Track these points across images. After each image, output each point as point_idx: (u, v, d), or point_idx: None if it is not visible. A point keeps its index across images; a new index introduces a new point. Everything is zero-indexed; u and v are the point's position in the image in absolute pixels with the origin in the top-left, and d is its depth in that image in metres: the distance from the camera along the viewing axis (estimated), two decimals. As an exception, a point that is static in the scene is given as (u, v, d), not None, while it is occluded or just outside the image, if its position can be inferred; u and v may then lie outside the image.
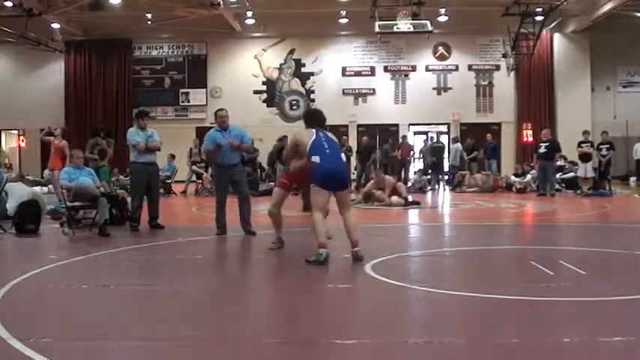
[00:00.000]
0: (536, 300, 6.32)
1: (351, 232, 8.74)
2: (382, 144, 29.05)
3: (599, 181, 22.25)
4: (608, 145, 22.33)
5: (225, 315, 6.04)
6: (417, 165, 28.85)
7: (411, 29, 24.75)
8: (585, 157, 22.44)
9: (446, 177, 27.43)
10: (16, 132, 33.44)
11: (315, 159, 8.67)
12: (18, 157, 33.02)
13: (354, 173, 26.26)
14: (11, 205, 13.12)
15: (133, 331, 5.44)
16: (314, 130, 8.99)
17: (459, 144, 27.44)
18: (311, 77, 31.99)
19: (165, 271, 8.51)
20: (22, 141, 32.67)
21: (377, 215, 15.77)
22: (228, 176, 12.08)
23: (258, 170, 25.41)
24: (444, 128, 31.25)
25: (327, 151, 8.76)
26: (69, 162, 13.06)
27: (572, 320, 5.75)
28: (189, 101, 32.12)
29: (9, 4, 23.91)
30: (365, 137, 27.59)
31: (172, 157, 24.42)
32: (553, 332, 5.27)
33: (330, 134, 9.11)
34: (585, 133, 23.13)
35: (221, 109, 12.48)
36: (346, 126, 31.02)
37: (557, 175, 23.14)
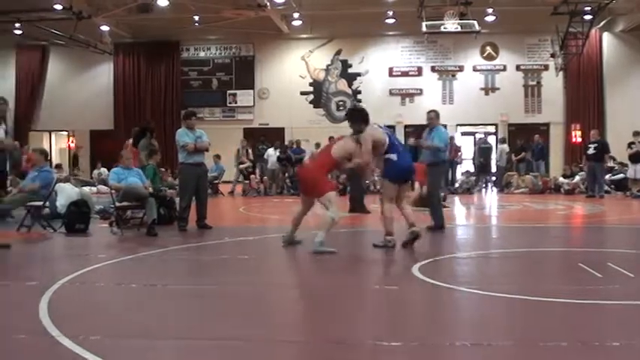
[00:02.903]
0: (584, 303, 6.21)
1: (408, 216, 9.70)
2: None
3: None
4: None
5: (272, 315, 6.06)
6: (464, 166, 28.66)
7: (459, 29, 24.59)
8: (635, 158, 22.07)
9: (493, 178, 27.23)
10: (65, 133, 33.95)
11: (393, 157, 9.49)
12: (67, 157, 33.50)
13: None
14: (61, 204, 13.32)
15: (181, 330, 5.47)
16: (381, 129, 9.71)
17: (505, 145, 27.20)
18: (358, 78, 31.94)
19: (212, 270, 8.56)
20: (72, 142, 33.13)
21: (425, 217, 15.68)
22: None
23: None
24: (492, 129, 31.00)
25: (400, 149, 9.70)
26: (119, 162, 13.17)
27: (621, 323, 5.64)
28: (236, 102, 32.27)
29: (59, 7, 24.26)
30: (412, 138, 27.43)
31: (218, 157, 24.57)
32: (601, 335, 5.20)
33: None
34: (636, 134, 22.73)
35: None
36: (393, 126, 30.88)
37: (607, 177, 22.82)
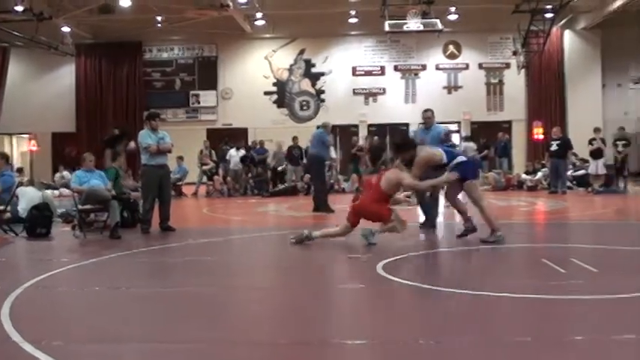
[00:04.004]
0: (548, 298, 6.29)
1: (465, 212, 10.70)
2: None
3: (615, 178, 22.04)
4: (625, 142, 22.17)
5: (237, 317, 6.05)
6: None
7: (421, 28, 24.64)
8: (596, 154, 22.35)
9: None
10: (27, 136, 33.55)
11: (462, 158, 10.36)
12: (29, 161, 33.13)
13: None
14: (22, 208, 13.15)
15: (145, 333, 5.44)
16: (437, 148, 10.71)
17: (472, 143, 27.36)
18: (321, 77, 32.00)
19: (175, 273, 8.51)
20: (33, 145, 32.75)
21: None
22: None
23: (269, 171, 25.40)
24: (455, 127, 31.20)
25: (455, 150, 11.22)
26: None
27: (585, 318, 5.72)
28: (199, 103, 32.18)
29: (19, 8, 23.97)
30: (376, 137, 27.53)
31: (181, 158, 24.43)
32: (565, 330, 5.26)
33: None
34: (596, 130, 23.01)
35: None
36: (356, 126, 30.99)
37: (568, 173, 23.04)
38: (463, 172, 10.19)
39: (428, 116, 12.73)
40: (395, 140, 14.66)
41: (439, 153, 10.39)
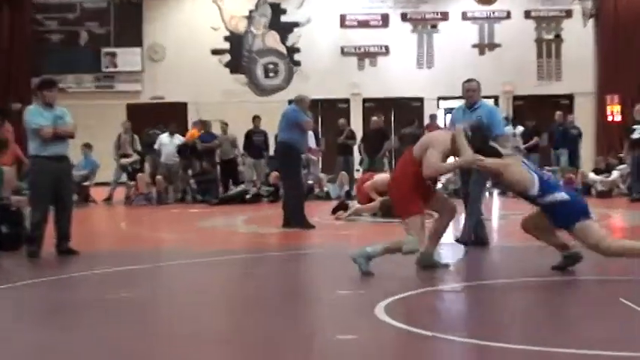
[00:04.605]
0: (630, 356, 6.26)
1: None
2: (400, 127, 28.95)
3: None
4: None
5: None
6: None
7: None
8: None
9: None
10: None
11: (563, 196, 9.92)
12: None
13: (358, 170, 26.15)
14: None
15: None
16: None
17: (511, 127, 27.36)
18: (295, 29, 32.01)
19: (75, 317, 8.40)
20: None
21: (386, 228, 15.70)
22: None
23: (219, 168, 25.29)
24: (491, 103, 31.24)
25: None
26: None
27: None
28: (116, 66, 32.13)
29: None
30: (375, 117, 27.46)
31: (89, 147, 24.26)
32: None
33: None
34: None
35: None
36: (347, 101, 31.01)
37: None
38: (565, 216, 9.92)
39: (472, 88, 12.54)
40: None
41: (527, 175, 10.06)
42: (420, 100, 31.18)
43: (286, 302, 9.06)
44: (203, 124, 26.71)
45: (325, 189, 24.74)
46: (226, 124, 25.73)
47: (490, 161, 10.14)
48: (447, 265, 10.65)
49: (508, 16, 31.52)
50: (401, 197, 10.23)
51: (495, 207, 22.28)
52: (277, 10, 31.99)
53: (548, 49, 31.54)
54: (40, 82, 13.46)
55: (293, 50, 31.94)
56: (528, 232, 10.56)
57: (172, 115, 29.04)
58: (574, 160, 27.24)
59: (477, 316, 8.37)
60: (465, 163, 10.48)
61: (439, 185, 11.57)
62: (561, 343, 6.57)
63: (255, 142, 24.99)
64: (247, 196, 23.50)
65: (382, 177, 18.77)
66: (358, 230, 16.12)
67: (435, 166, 9.97)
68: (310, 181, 23.90)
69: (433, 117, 28.70)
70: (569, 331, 7.23)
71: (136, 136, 25.80)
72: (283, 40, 32.01)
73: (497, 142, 10.99)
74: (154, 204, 23.67)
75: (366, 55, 31.73)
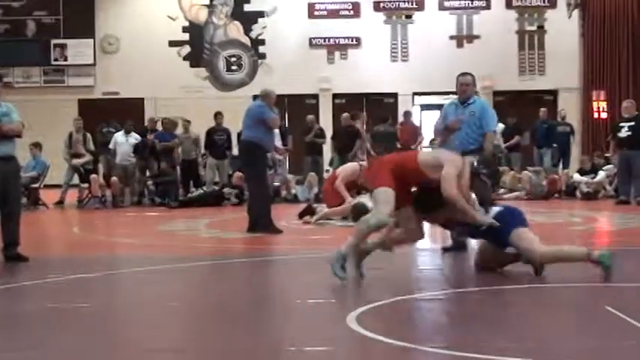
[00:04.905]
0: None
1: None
2: (372, 124, 28.98)
3: None
4: None
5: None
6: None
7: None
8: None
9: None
10: None
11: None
12: None
13: (327, 170, 26.15)
14: None
15: None
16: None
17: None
18: (259, 20, 31.98)
19: (28, 329, 8.38)
20: None
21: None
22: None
23: (178, 168, 25.24)
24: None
25: None
26: None
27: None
28: (66, 59, 32.01)
29: None
30: (346, 114, 27.48)
31: (38, 147, 24.18)
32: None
33: None
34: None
35: None
36: (316, 96, 31.02)
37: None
38: (502, 227, 10.17)
39: (467, 82, 12.57)
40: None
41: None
42: (394, 95, 31.23)
43: (251, 312, 9.04)
44: (154, 123, 26.69)
45: (293, 191, 24.76)
46: (188, 122, 25.65)
47: (467, 207, 10.17)
48: (361, 275, 10.24)
49: (488, 5, 31.63)
50: (376, 172, 10.29)
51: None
52: (240, -1, 32.04)
53: (531, 41, 31.64)
54: (-17, 76, 13.45)
55: (257, 42, 31.93)
56: (485, 266, 10.84)
57: (128, 111, 28.88)
58: (564, 160, 27.15)
59: (455, 326, 8.41)
60: (458, 203, 10.22)
61: None
62: (545, 354, 6.63)
63: (217, 140, 24.91)
64: (209, 199, 23.49)
65: (351, 165, 18.85)
66: (328, 235, 16.13)
67: (454, 192, 9.92)
68: (277, 183, 23.90)
69: (408, 114, 28.65)
70: (553, 342, 7.28)
71: (88, 135, 25.67)
72: (247, 31, 31.99)
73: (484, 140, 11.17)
74: (108, 207, 23.63)
75: (336, 48, 31.76)
